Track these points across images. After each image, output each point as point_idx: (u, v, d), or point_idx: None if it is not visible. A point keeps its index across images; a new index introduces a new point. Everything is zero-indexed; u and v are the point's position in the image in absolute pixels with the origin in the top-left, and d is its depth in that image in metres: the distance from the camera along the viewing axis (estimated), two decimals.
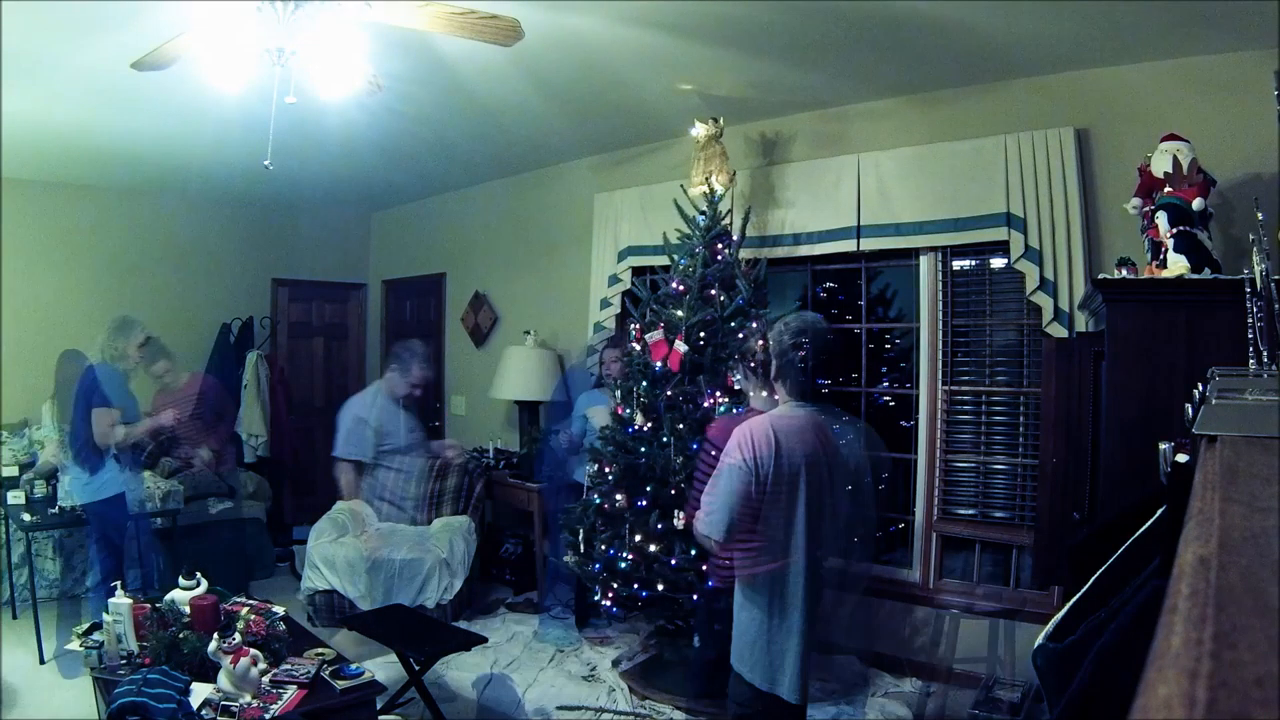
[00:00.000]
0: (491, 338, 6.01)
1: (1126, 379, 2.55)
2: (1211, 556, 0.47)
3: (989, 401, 3.86)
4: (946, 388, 3.91)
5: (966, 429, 3.91)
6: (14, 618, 4.39)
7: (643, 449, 3.52)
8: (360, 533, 4.34)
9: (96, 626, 2.83)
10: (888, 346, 4.57)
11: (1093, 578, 1.25)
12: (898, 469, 4.11)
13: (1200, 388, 1.26)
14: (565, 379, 5.30)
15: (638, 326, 3.78)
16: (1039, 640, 1.19)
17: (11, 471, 4.34)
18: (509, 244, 5.86)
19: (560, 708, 3.54)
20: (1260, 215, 1.52)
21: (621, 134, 4.71)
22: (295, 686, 2.54)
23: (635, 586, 3.43)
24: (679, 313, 3.62)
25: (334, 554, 4.32)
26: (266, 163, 3.03)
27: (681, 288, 3.69)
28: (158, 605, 2.85)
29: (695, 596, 3.27)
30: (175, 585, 2.97)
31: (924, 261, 3.94)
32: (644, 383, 3.63)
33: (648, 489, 3.47)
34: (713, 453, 2.47)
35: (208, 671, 2.52)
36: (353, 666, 2.72)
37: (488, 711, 3.54)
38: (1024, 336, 3.75)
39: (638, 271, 4.82)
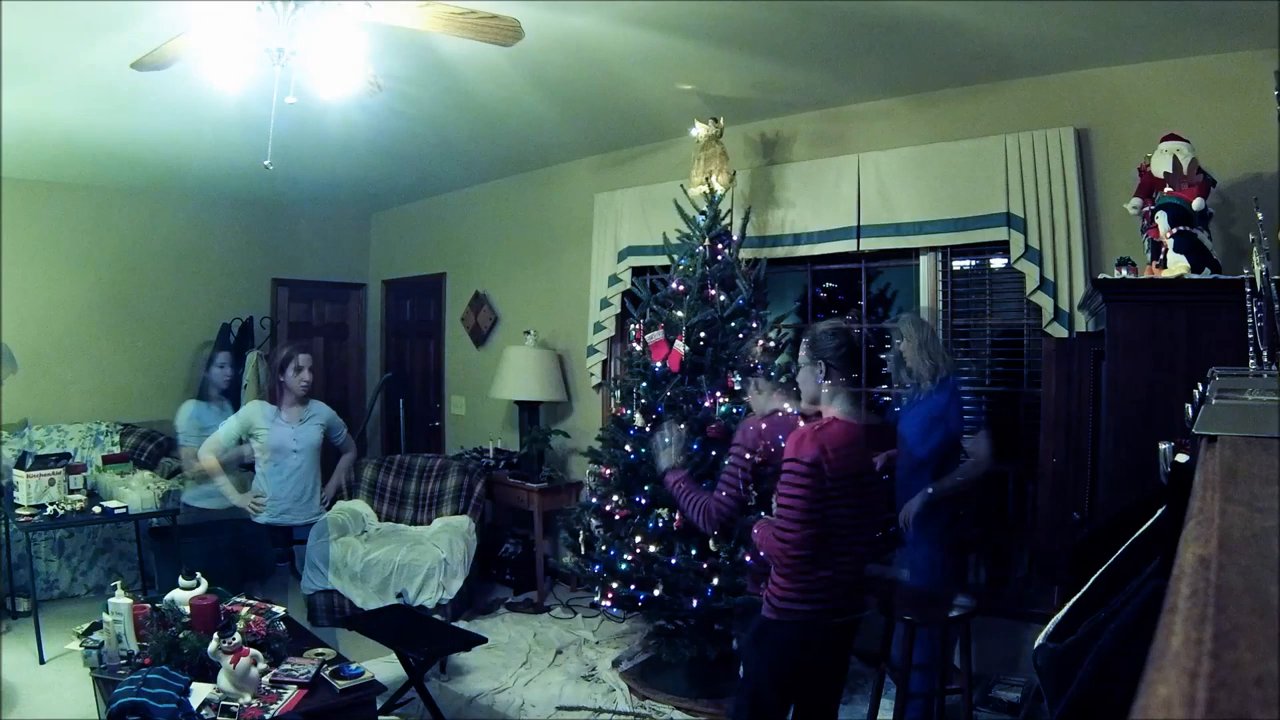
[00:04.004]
0: (491, 338, 6.01)
1: (1126, 379, 2.55)
2: (1211, 556, 0.47)
3: (989, 401, 3.86)
4: None
5: (966, 429, 3.89)
6: (14, 618, 4.39)
7: (643, 449, 3.52)
8: (360, 533, 4.31)
9: (96, 626, 2.83)
10: (888, 346, 4.56)
11: (1093, 578, 1.25)
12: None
13: (1200, 388, 1.26)
14: (565, 378, 5.31)
15: (638, 326, 3.78)
16: (1039, 640, 1.19)
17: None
18: (509, 244, 5.86)
19: (560, 708, 3.54)
20: (1260, 215, 1.52)
21: (621, 134, 4.71)
22: (295, 686, 2.54)
23: (634, 587, 3.43)
24: (679, 313, 3.61)
25: (334, 554, 4.33)
26: (266, 163, 3.02)
27: (681, 288, 3.69)
28: (158, 605, 2.85)
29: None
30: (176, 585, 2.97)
31: (924, 261, 3.94)
32: (644, 383, 3.63)
33: (647, 489, 3.47)
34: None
35: (208, 671, 2.52)
36: (353, 666, 2.72)
37: (488, 711, 3.54)
38: (1024, 336, 3.75)
39: (638, 271, 4.82)
